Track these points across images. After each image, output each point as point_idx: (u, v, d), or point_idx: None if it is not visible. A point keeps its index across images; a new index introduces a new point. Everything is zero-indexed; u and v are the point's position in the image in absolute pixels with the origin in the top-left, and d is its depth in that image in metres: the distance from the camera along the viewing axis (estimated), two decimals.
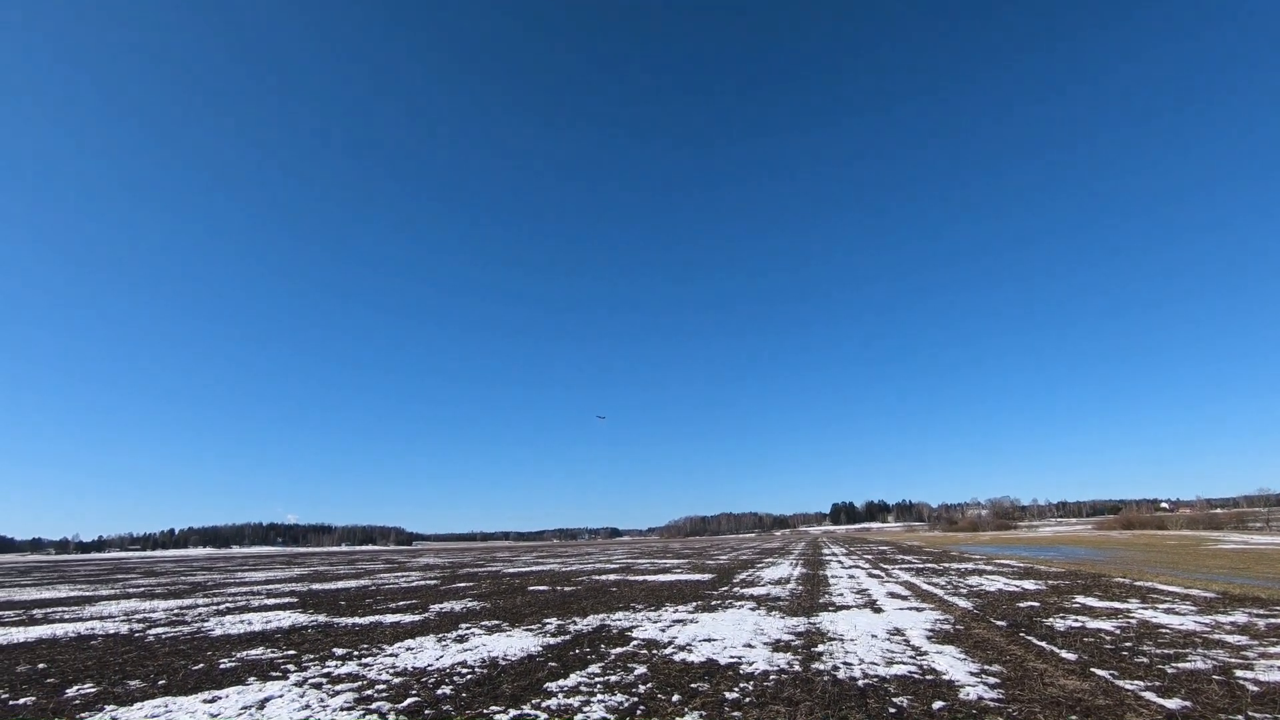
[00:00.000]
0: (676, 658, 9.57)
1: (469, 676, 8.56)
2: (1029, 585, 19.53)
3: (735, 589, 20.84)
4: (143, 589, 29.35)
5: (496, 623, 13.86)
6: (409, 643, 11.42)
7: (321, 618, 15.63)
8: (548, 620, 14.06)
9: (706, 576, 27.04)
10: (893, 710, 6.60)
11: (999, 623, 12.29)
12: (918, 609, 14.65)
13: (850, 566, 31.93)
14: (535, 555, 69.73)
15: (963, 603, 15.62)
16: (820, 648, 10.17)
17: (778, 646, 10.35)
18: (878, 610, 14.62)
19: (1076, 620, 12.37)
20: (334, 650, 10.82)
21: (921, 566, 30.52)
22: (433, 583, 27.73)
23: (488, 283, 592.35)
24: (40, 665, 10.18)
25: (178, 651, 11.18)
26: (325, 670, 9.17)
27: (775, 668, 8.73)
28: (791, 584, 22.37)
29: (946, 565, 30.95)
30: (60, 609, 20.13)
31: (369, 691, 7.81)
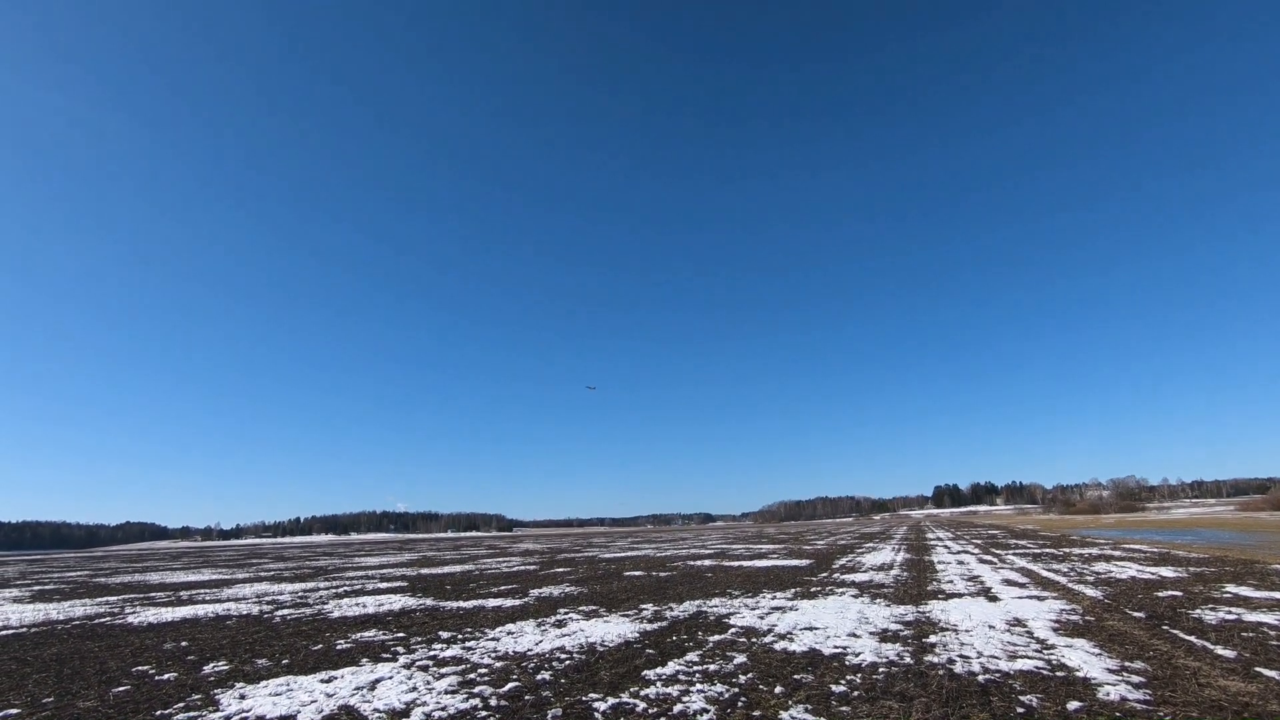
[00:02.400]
0: (777, 646, 9.24)
1: (567, 662, 8.58)
2: (1166, 572, 17.78)
3: (835, 575, 20.15)
4: (272, 573, 31.78)
5: (594, 608, 13.96)
6: (510, 627, 11.65)
7: (429, 601, 16.29)
8: (644, 606, 14.03)
9: (804, 562, 26.37)
10: (1021, 710, 6.02)
11: (1135, 614, 11.18)
12: (1038, 598, 13.60)
13: (958, 552, 30.30)
14: (630, 541, 70.60)
15: (1090, 591, 14.38)
16: (932, 638, 9.55)
17: (885, 636, 9.81)
18: (993, 599, 13.68)
19: (1230, 612, 11.06)
20: (439, 633, 11.19)
21: (1039, 552, 28.54)
22: (532, 568, 28.48)
23: (585, 285, 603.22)
24: (183, 643, 11.08)
25: (300, 632, 11.89)
26: (431, 653, 9.46)
27: (884, 659, 8.24)
28: (895, 570, 21.41)
29: (1067, 550, 28.80)
30: (203, 591, 22.04)
31: (471, 675, 7.95)
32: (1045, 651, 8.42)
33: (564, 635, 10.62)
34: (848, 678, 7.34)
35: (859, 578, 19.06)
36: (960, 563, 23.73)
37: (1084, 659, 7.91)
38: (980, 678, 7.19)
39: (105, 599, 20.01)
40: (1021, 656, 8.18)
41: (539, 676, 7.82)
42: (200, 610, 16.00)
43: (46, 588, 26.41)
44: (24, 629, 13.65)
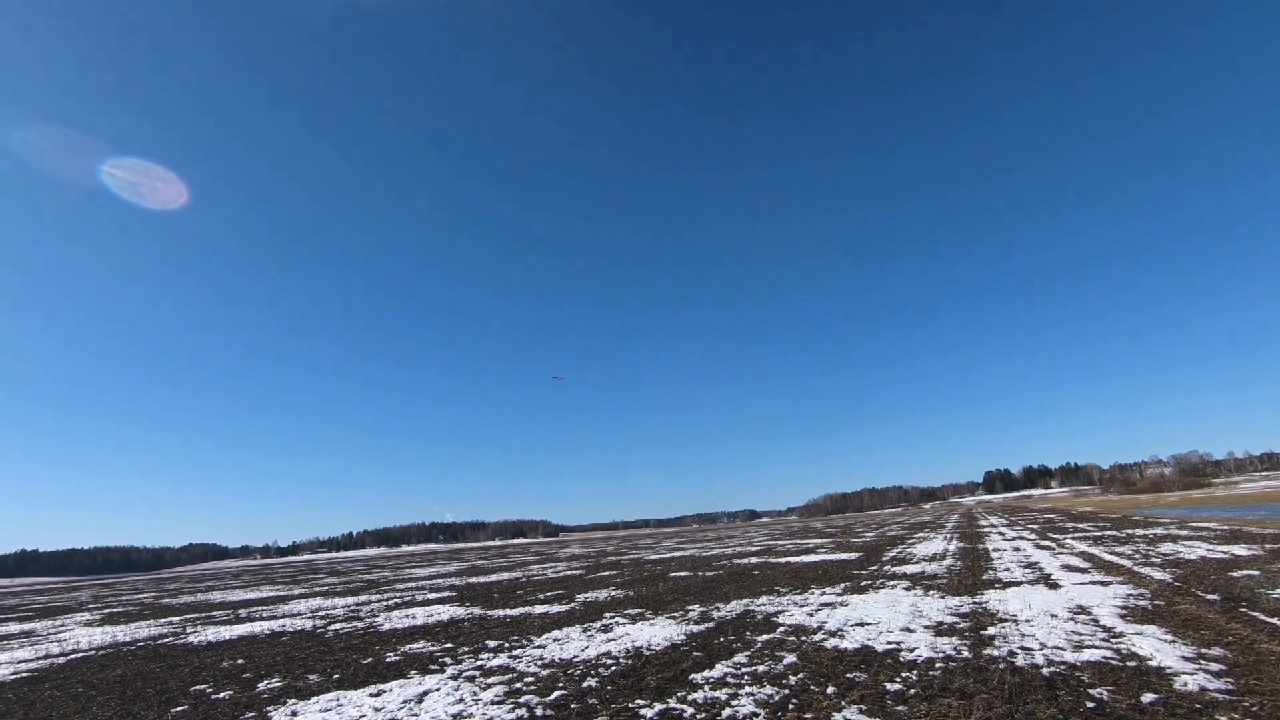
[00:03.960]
0: (828, 644, 8.98)
1: (614, 668, 8.47)
2: (1240, 551, 16.88)
3: (886, 568, 19.66)
4: (326, 588, 32.48)
5: (639, 611, 13.84)
6: (556, 634, 11.61)
7: (476, 610, 16.39)
8: (690, 607, 13.85)
9: (853, 555, 25.84)
10: (1091, 704, 5.69)
11: (1210, 597, 10.59)
12: (1102, 583, 13.01)
13: (1014, 538, 29.35)
14: (676, 541, 70.37)
15: (1158, 574, 13.71)
16: (990, 630, 9.18)
17: (940, 630, 9.46)
18: (1054, 586, 13.14)
19: None
20: (486, 642, 11.20)
21: (1099, 534, 27.45)
22: (578, 572, 28.52)
23: (625, 288, 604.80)
24: (239, 661, 11.31)
25: (351, 646, 12.04)
26: (478, 663, 9.46)
27: (940, 654, 7.93)
28: (948, 560, 20.80)
29: (1129, 532, 27.65)
30: (260, 608, 22.60)
31: (518, 685, 7.90)
32: (1113, 640, 8.00)
33: (610, 640, 10.52)
34: (903, 675, 7.07)
35: (910, 569, 18.56)
36: (1016, 549, 22.95)
37: (1156, 647, 7.48)
38: (1045, 670, 6.85)
39: (169, 619, 20.66)
40: (1088, 646, 7.78)
41: (585, 684, 7.72)
42: (257, 628, 16.36)
43: (115, 610, 27.42)
44: (92, 652, 14.13)
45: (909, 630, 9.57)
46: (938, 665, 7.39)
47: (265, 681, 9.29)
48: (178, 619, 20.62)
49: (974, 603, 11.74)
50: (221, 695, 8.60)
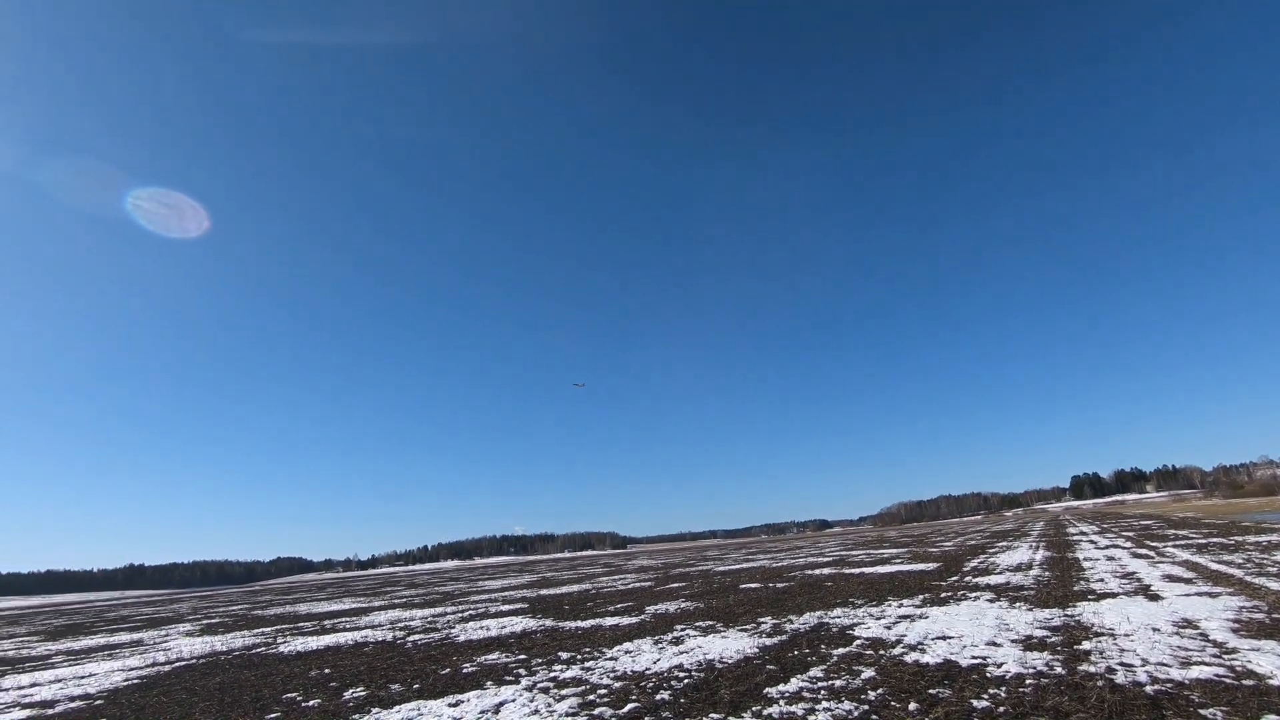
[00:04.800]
0: (908, 658, 8.65)
1: (686, 681, 8.40)
2: None
3: (967, 578, 18.83)
4: (404, 600, 33.52)
5: (710, 623, 13.70)
6: (627, 645, 11.61)
7: (548, 622, 16.58)
8: (762, 619, 13.62)
9: (931, 566, 24.86)
10: None
11: None
12: (1210, 594, 12.08)
13: (1106, 547, 27.63)
14: (745, 552, 69.43)
15: (1275, 585, 12.63)
16: (1086, 645, 8.64)
17: (1030, 644, 8.98)
18: (1154, 597, 12.29)
19: None
20: (559, 654, 11.30)
21: (1204, 542, 25.52)
22: (647, 584, 28.48)
23: (688, 303, 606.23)
24: (326, 670, 11.79)
25: (429, 657, 12.37)
26: (552, 674, 9.55)
27: (1031, 669, 7.52)
28: (1035, 570, 19.75)
29: (1239, 539, 25.59)
30: (344, 619, 23.52)
31: (591, 696, 7.93)
32: (1226, 656, 7.41)
33: (681, 653, 10.44)
34: (990, 691, 6.73)
35: (994, 580, 17.71)
36: (1110, 558, 21.59)
37: (1277, 665, 6.88)
38: (1148, 688, 6.40)
39: (261, 630, 21.74)
40: (1197, 663, 7.22)
41: (658, 696, 7.69)
42: (341, 638, 17.03)
43: (213, 621, 29.07)
44: (194, 660, 15.01)
45: (995, 644, 9.13)
46: (1028, 682, 7.00)
47: (350, 691, 9.64)
48: (269, 629, 21.67)
49: (1066, 615, 11.09)
50: (311, 703, 8.98)
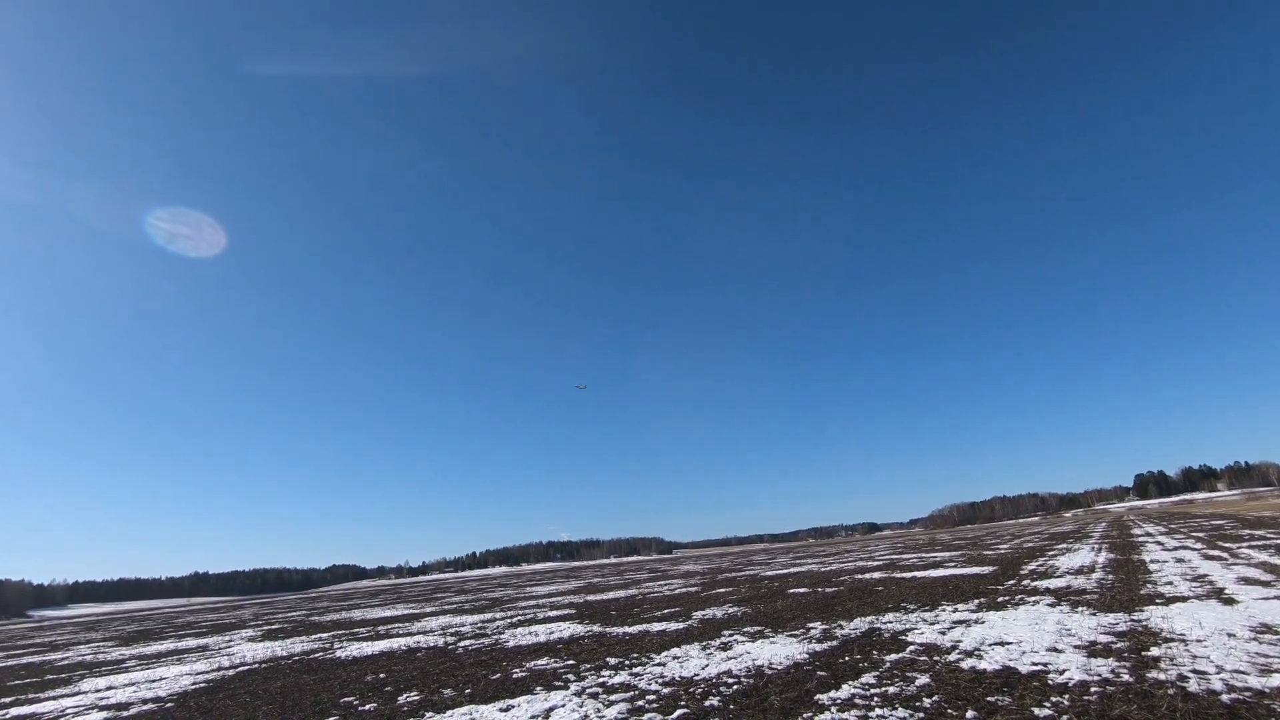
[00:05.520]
0: (964, 665, 8.41)
1: (735, 687, 8.33)
2: None
3: (1025, 582, 18.21)
4: (454, 606, 34.09)
5: (759, 629, 13.56)
6: (675, 651, 11.58)
7: (596, 628, 16.64)
8: (811, 625, 13.42)
9: (987, 569, 24.12)
10: None
11: None
12: None
13: (1175, 548, 26.38)
14: (792, 556, 68.51)
15: None
16: (1154, 651, 8.27)
17: (1094, 650, 8.63)
18: (1229, 601, 11.68)
19: None
20: (607, 660, 11.34)
21: None
22: (693, 589, 28.35)
23: (732, 306, 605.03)
24: (381, 675, 12.07)
25: (480, 662, 12.56)
26: (600, 680, 9.59)
27: (1095, 677, 7.22)
28: (1098, 572, 18.98)
29: None
30: (397, 625, 24.04)
31: (640, 702, 7.94)
32: None
33: (730, 658, 10.36)
34: (1053, 699, 6.49)
35: (1054, 583, 17.09)
36: (1179, 560, 20.61)
37: None
38: (1225, 697, 6.09)
39: (318, 635, 22.38)
40: (1279, 670, 6.84)
41: (707, 702, 7.64)
42: (395, 644, 17.40)
43: (273, 627, 30.05)
44: (257, 664, 15.54)
45: (1056, 650, 8.80)
46: (1093, 689, 6.73)
47: (405, 695, 9.85)
48: (326, 635, 22.29)
49: (1132, 620, 10.63)
50: (367, 707, 9.21)
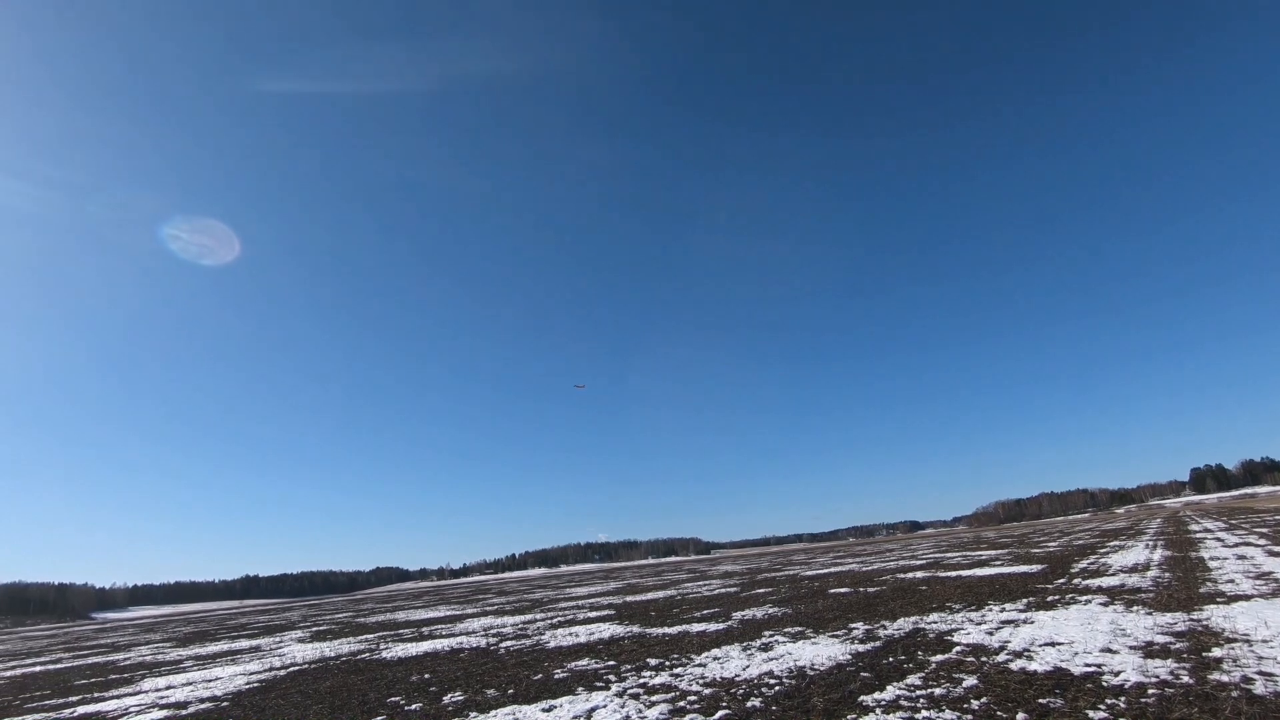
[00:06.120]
0: (1013, 666, 8.20)
1: (777, 688, 8.27)
2: None
3: (1075, 580, 17.67)
4: (495, 607, 34.50)
5: (800, 629, 13.42)
6: (715, 652, 11.53)
7: (635, 628, 16.68)
8: (853, 625, 13.23)
9: (1035, 568, 23.47)
10: None
11: None
12: None
13: (1236, 545, 25.30)
14: (832, 556, 67.63)
15: None
16: (1216, 652, 7.95)
17: (1151, 651, 8.33)
18: None
19: None
20: (648, 660, 11.35)
21: None
22: (732, 590, 28.20)
23: (765, 306, 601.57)
24: (426, 675, 12.29)
25: (522, 663, 12.69)
26: (641, 680, 9.61)
27: (1153, 678, 6.97)
28: (1153, 570, 18.32)
29: None
30: (440, 626, 24.44)
31: (681, 703, 7.93)
32: None
33: (771, 659, 10.28)
34: (1108, 702, 6.29)
35: (1106, 582, 16.54)
36: (1241, 557, 19.76)
37: None
38: None
39: (364, 637, 22.87)
40: None
41: (749, 703, 7.60)
42: (438, 644, 17.69)
43: (321, 628, 30.82)
44: (306, 665, 15.96)
45: (1111, 651, 8.52)
46: (1151, 691, 6.51)
47: (449, 695, 10.01)
48: (372, 636, 22.77)
49: (1191, 620, 10.24)
50: (413, 707, 9.39)
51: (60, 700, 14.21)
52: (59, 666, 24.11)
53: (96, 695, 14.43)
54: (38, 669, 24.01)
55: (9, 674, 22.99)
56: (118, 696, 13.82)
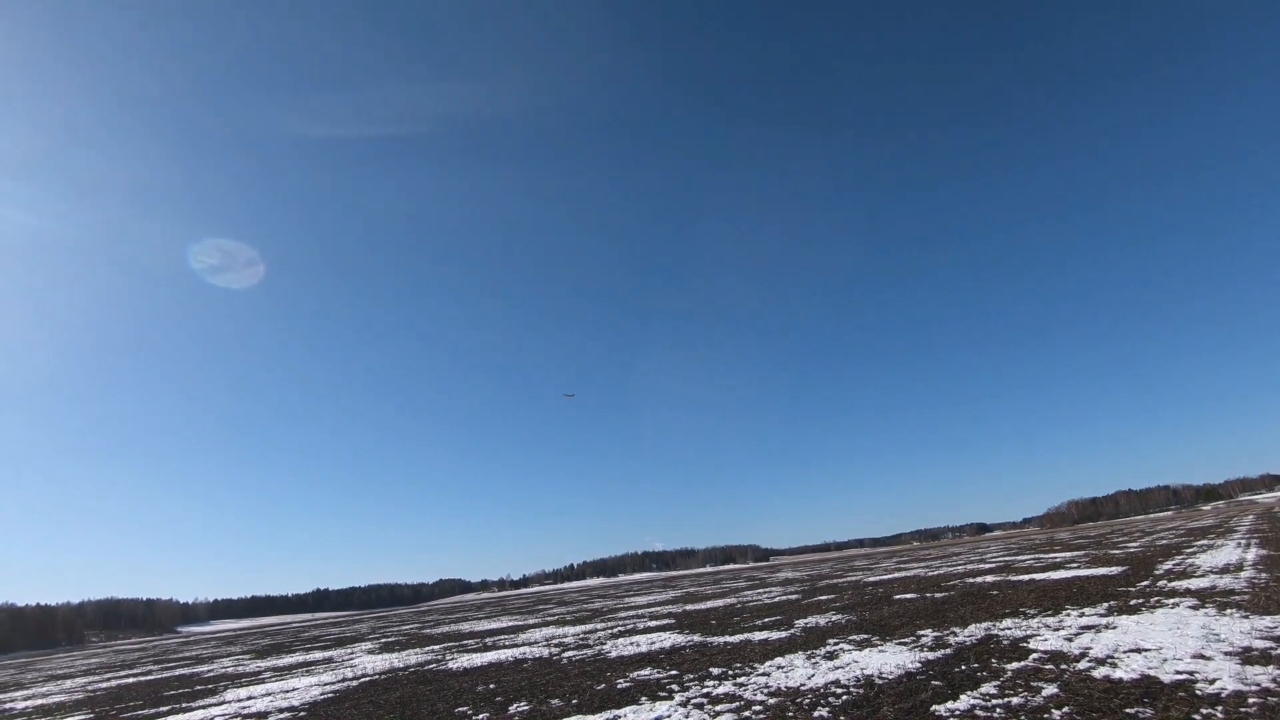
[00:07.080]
0: (1096, 674, 7.81)
1: (844, 697, 8.08)
2: None
3: (1160, 583, 16.72)
4: (556, 617, 34.79)
5: (865, 636, 13.10)
6: (779, 660, 11.35)
7: (696, 637, 16.56)
8: (922, 632, 12.83)
9: (1114, 570, 22.32)
10: None
11: None
12: None
13: None
14: (895, 561, 65.79)
15: None
16: None
17: (1250, 657, 7.81)
18: None
19: None
20: (710, 670, 11.26)
21: None
22: (794, 597, 27.73)
23: (817, 308, 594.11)
24: (491, 685, 12.48)
25: (584, 673, 12.75)
26: (704, 690, 9.53)
27: (1253, 687, 6.53)
28: (1247, 571, 17.18)
29: None
30: (502, 637, 24.78)
31: (746, 713, 7.83)
32: None
33: (837, 668, 10.06)
34: (1204, 711, 5.92)
35: (1195, 584, 15.60)
36: None
37: None
38: None
39: (431, 648, 23.39)
40: None
41: (816, 713, 7.45)
42: (502, 655, 17.94)
43: (389, 639, 31.65)
44: (377, 675, 16.41)
45: (1204, 657, 8.03)
46: (1252, 701, 6.09)
47: (514, 705, 10.13)
48: (438, 647, 23.26)
49: None
50: (479, 717, 9.54)
51: (152, 710, 14.99)
52: (150, 678, 25.43)
53: (185, 705, 15.16)
54: (130, 680, 25.39)
55: (106, 685, 24.38)
56: (204, 707, 14.49)
